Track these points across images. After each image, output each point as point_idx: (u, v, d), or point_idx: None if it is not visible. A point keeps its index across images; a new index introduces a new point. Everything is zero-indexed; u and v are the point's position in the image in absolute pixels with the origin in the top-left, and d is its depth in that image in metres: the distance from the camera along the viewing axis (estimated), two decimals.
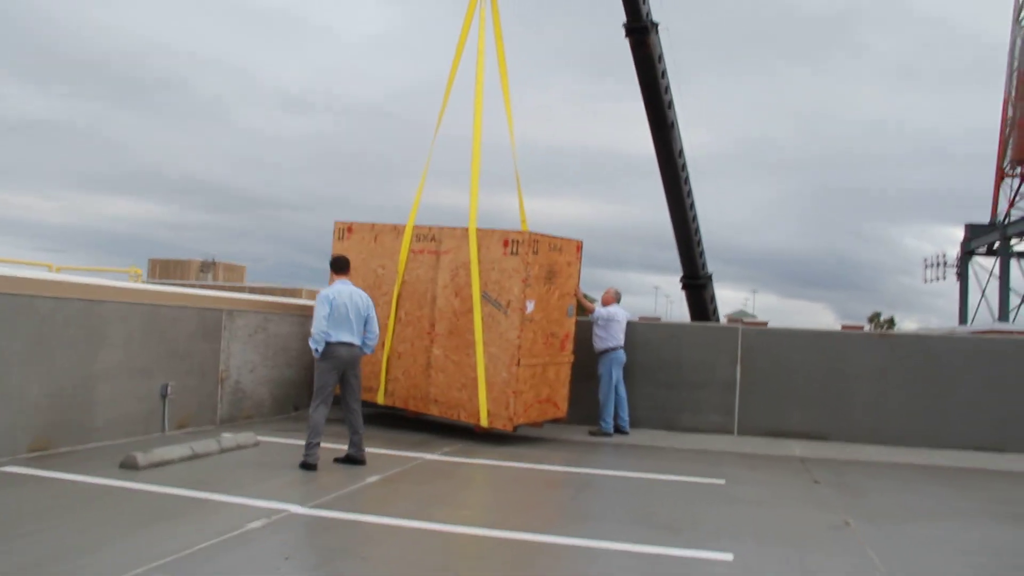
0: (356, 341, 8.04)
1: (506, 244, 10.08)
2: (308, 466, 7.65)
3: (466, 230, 10.35)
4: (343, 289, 8.08)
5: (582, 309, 11.48)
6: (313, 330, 7.90)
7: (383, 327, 10.79)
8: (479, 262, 10.19)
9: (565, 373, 10.92)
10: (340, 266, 8.41)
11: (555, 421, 11.02)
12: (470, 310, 10.19)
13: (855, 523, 6.79)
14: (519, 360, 9.89)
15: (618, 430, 11.64)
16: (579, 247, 11.02)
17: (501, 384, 9.97)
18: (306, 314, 11.95)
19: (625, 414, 11.73)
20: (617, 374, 11.64)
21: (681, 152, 18.98)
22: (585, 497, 7.58)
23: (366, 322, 8.18)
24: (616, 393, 11.67)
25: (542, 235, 10.38)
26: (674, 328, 13.06)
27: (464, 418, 10.25)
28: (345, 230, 11.41)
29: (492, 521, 6.25)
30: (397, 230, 10.92)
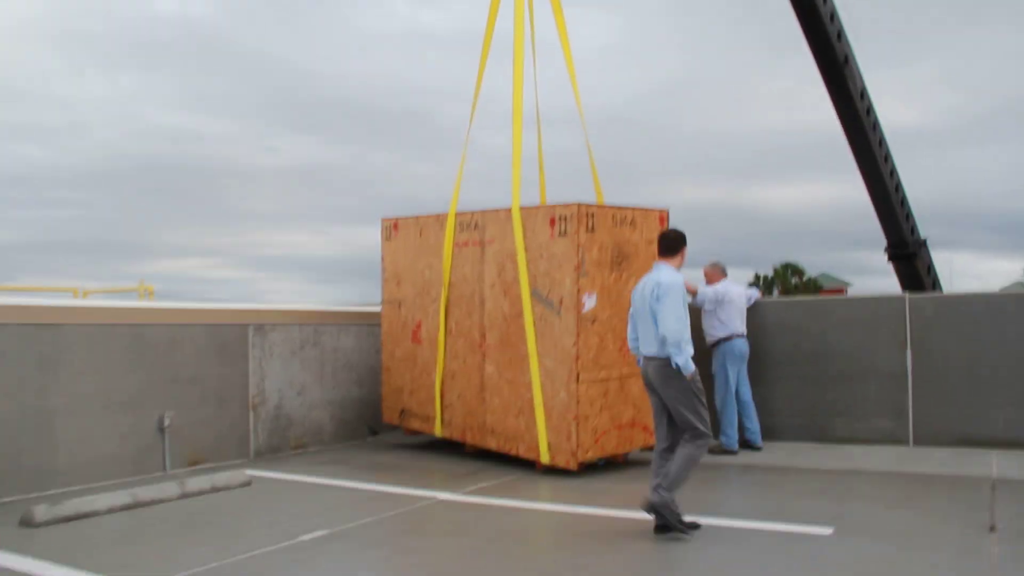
0: (650, 351, 5.89)
1: (552, 223, 7.98)
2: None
3: (510, 212, 8.35)
4: (645, 279, 6.09)
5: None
6: None
7: (433, 341, 9.04)
8: (526, 250, 8.16)
9: None
10: (658, 242, 6.19)
11: (650, 450, 8.65)
12: (521, 313, 8.18)
13: None
14: (578, 375, 7.75)
15: (746, 445, 9.10)
16: (663, 218, 8.64)
17: (560, 408, 7.86)
18: (373, 323, 10.48)
19: (753, 424, 9.14)
20: (736, 371, 9.08)
21: (864, 93, 15.58)
22: (595, 569, 5.30)
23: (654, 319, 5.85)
24: (738, 398, 9.12)
25: (602, 206, 8.18)
26: (815, 305, 10.14)
27: (524, 453, 8.20)
28: (391, 228, 9.75)
29: None
30: (440, 220, 9.10)
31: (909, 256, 17.62)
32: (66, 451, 7.33)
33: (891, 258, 18.01)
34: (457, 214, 8.87)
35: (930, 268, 18.17)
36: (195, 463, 8.35)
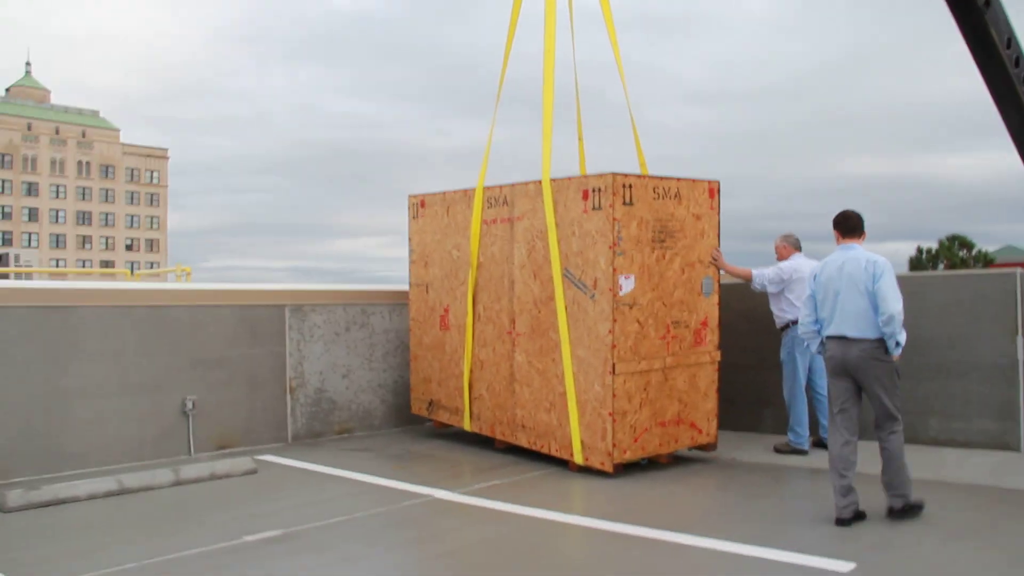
0: (858, 333, 5.64)
1: (585, 196, 7.20)
2: (842, 521, 5.64)
3: (540, 184, 7.62)
4: (836, 258, 5.91)
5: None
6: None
7: (462, 328, 8.46)
8: (557, 226, 7.42)
9: (707, 378, 7.67)
10: (841, 224, 6.01)
11: (701, 448, 7.78)
12: (552, 297, 7.47)
13: None
14: (614, 365, 6.97)
15: (820, 444, 8.02)
16: (713, 190, 7.68)
17: (595, 402, 7.12)
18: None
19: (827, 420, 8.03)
20: (808, 359, 8.01)
21: (1011, 41, 13.57)
22: None
23: (876, 300, 5.60)
24: (811, 389, 8.08)
25: (642, 176, 7.34)
26: (908, 283, 8.75)
27: (556, 452, 7.49)
28: (418, 205, 9.11)
29: None
30: (468, 196, 8.44)
31: None
32: (80, 433, 7.32)
33: None
34: (485, 188, 8.21)
35: None
36: (224, 447, 8.22)
